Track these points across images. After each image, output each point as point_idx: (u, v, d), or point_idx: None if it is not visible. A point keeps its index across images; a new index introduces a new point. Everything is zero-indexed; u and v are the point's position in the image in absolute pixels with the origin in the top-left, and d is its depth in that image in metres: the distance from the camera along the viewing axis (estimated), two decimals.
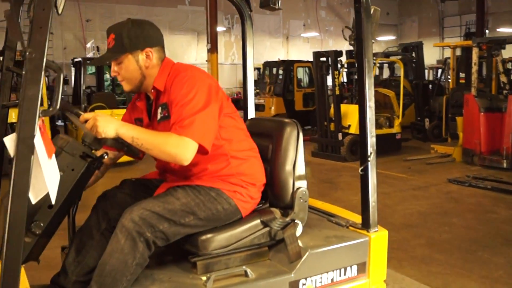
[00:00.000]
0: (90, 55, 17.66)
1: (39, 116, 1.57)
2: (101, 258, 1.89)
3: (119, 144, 1.96)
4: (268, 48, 24.76)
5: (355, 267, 2.22)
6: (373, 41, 2.28)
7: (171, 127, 1.96)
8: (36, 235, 1.83)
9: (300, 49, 24.75)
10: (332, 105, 9.64)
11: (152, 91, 2.15)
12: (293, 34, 25.37)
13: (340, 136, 9.47)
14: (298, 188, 2.22)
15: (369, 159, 2.25)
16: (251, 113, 3.02)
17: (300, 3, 24.69)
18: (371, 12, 2.27)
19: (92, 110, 9.22)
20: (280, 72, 14.70)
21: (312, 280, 2.09)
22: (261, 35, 24.98)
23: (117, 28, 2.09)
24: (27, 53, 1.48)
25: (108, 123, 1.86)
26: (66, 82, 15.44)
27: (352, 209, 5.66)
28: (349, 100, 10.86)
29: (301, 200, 2.22)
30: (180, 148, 1.89)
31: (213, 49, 12.12)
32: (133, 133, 1.88)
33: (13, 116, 2.48)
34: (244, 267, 2.02)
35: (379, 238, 2.28)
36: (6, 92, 2.34)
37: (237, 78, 25.12)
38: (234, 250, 2.09)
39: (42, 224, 1.83)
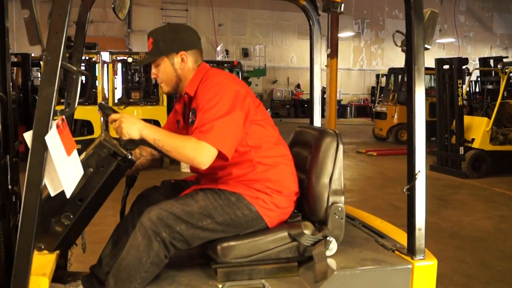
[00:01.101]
0: (219, 58, 18.53)
1: (56, 115, 1.68)
2: (121, 253, 1.96)
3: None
4: (399, 54, 23.83)
5: None
6: (428, 47, 2.06)
7: (193, 131, 1.97)
8: (66, 226, 1.95)
9: (434, 55, 23.49)
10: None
11: (185, 95, 2.18)
12: None
13: (461, 150, 8.77)
14: (333, 203, 2.09)
15: (416, 177, 2.04)
16: (317, 121, 2.91)
17: (436, 7, 23.33)
18: (428, 14, 2.05)
19: None
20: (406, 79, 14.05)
21: None
22: (392, 40, 24.18)
23: (155, 33, 2.16)
24: (44, 56, 1.59)
25: (132, 125, 1.92)
26: None
27: (456, 231, 5.19)
28: (479, 112, 10.04)
29: (336, 217, 2.08)
30: (197, 152, 1.89)
31: (333, 54, 11.93)
32: (155, 135, 1.92)
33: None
34: (263, 280, 1.95)
35: (424, 267, 2.05)
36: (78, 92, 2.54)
37: (365, 84, 24.59)
38: (258, 261, 2.03)
39: (71, 216, 1.95)
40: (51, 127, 1.62)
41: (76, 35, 2.49)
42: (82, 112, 7.89)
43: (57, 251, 2.03)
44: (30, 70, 9.74)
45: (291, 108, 23.43)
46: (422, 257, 2.06)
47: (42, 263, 1.87)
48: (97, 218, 2.34)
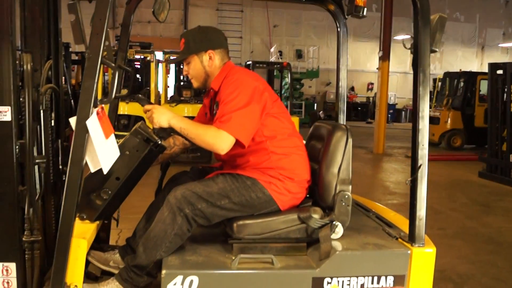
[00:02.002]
0: (273, 59, 18.80)
1: (97, 104, 1.98)
2: (151, 225, 2.25)
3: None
4: (459, 58, 23.35)
5: (391, 278, 2.20)
6: (436, 50, 2.22)
7: (214, 121, 2.23)
8: (105, 200, 2.26)
9: (497, 60, 22.82)
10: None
11: (211, 90, 2.45)
12: (490, 43, 23.44)
13: None
14: (340, 191, 2.29)
15: (418, 172, 2.21)
16: (342, 120, 3.11)
17: (500, 10, 22.67)
18: (436, 19, 2.21)
19: None
20: (462, 84, 13.83)
21: (338, 281, 2.15)
22: (452, 44, 23.60)
23: (187, 34, 2.44)
24: (86, 54, 1.90)
25: (162, 115, 2.21)
26: None
27: (494, 237, 5.25)
28: None
29: (343, 203, 2.28)
30: (216, 139, 2.16)
31: (385, 56, 11.95)
32: (181, 124, 2.20)
33: (120, 109, 2.98)
34: (272, 256, 2.18)
35: (423, 253, 2.22)
36: (117, 86, 2.87)
37: None
38: (270, 239, 2.27)
39: (110, 192, 2.26)
40: (91, 114, 1.93)
41: (121, 35, 2.82)
42: (136, 109, 8.36)
43: (98, 222, 2.35)
44: None
45: None
46: (421, 245, 2.22)
47: (84, 230, 2.19)
48: (144, 208, 2.66)
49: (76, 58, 10.94)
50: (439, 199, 7.54)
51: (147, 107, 2.27)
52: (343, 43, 3.09)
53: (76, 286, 2.02)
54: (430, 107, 15.46)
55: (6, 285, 2.08)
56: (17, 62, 2.06)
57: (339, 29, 3.06)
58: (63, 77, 2.45)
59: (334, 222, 2.26)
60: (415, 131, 2.22)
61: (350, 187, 2.32)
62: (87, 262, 2.48)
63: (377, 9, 21.71)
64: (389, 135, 16.47)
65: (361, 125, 20.83)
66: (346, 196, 2.29)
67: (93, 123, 1.95)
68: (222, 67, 2.44)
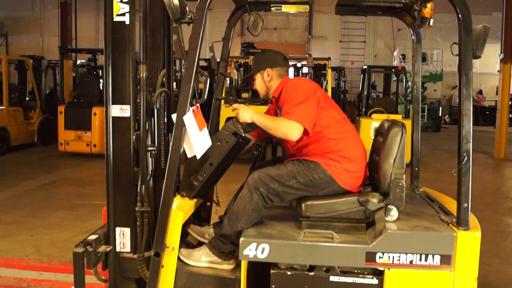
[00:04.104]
0: (395, 63, 18.59)
1: (192, 104, 2.55)
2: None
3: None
4: None
5: (437, 257, 2.47)
6: (480, 55, 2.46)
7: (282, 116, 2.74)
8: (200, 181, 2.83)
9: None
10: None
11: (272, 98, 3.00)
12: None
13: None
14: (395, 179, 2.63)
15: (462, 163, 2.46)
16: (417, 122, 3.40)
17: None
18: (479, 29, 2.47)
19: (371, 114, 10.20)
20: None
21: (389, 256, 2.48)
22: None
23: (254, 56, 3.09)
24: (184, 65, 2.48)
25: (245, 112, 2.75)
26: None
27: None
28: None
29: (397, 190, 2.61)
30: (288, 128, 2.66)
31: (506, 59, 11.39)
32: (260, 119, 2.73)
33: None
34: (332, 232, 2.58)
35: (467, 236, 2.47)
36: (219, 90, 3.48)
37: None
38: (333, 219, 2.67)
39: (204, 175, 2.82)
40: (188, 111, 2.50)
41: (222, 48, 3.39)
42: None
43: (196, 200, 2.91)
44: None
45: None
46: (467, 228, 2.48)
47: (183, 204, 2.78)
48: None
49: (205, 65, 12.06)
50: None
51: (234, 106, 2.82)
52: (417, 50, 3.37)
53: (173, 247, 2.59)
54: None
55: (122, 245, 2.67)
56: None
57: (413, 37, 3.36)
58: (174, 83, 3.08)
59: (389, 206, 2.61)
60: (460, 128, 2.49)
61: (404, 176, 2.65)
62: (187, 233, 3.08)
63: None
64: None
65: (488, 130, 19.68)
66: (400, 184, 2.62)
67: (189, 119, 2.52)
68: (280, 80, 2.99)
